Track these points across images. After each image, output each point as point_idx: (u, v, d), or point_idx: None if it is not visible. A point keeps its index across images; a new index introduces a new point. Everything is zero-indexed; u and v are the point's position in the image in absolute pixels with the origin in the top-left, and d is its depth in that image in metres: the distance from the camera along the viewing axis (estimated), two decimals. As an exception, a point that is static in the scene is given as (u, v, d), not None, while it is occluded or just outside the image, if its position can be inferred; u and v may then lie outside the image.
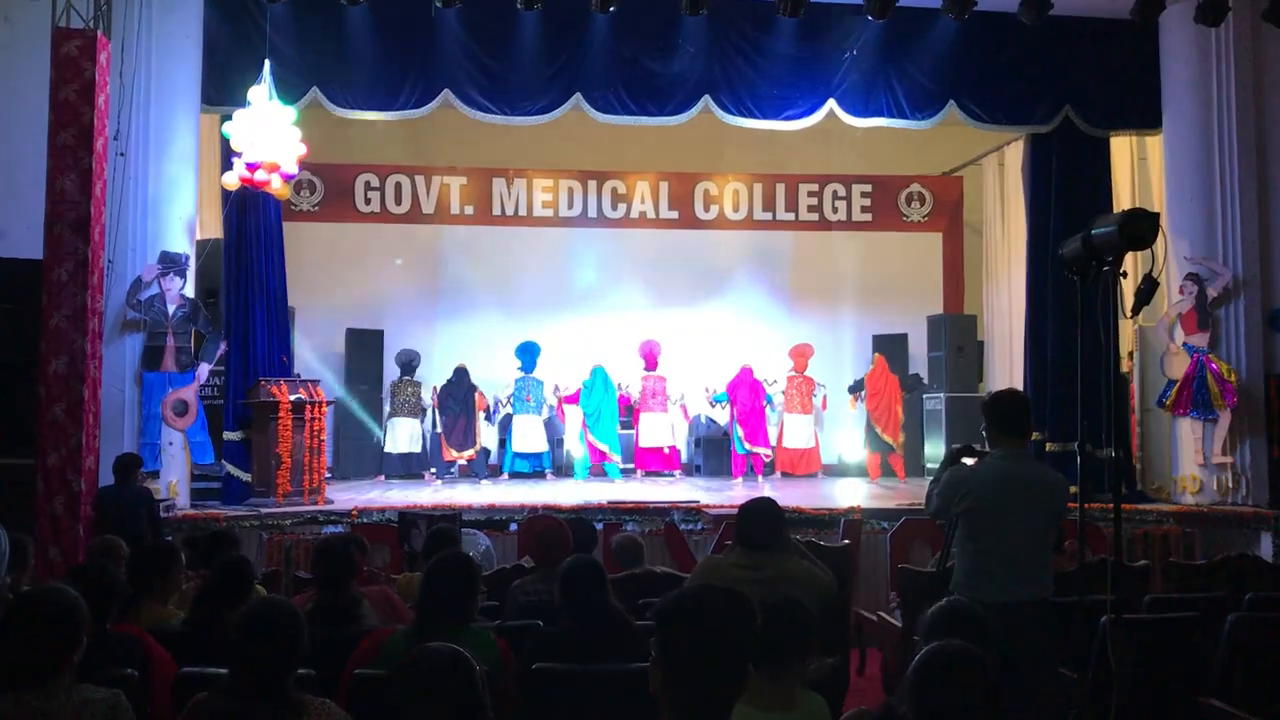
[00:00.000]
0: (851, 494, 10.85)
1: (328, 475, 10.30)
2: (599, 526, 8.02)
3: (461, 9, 9.37)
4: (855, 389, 13.04)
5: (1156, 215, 3.91)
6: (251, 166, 8.75)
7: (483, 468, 12.61)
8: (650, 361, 12.83)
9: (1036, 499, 4.25)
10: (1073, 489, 4.46)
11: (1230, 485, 9.86)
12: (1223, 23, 9.61)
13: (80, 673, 2.95)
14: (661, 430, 12.73)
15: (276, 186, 9.06)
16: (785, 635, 3.02)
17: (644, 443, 12.70)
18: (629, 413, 12.93)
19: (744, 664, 2.10)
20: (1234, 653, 4.58)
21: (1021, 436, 4.49)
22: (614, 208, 14.40)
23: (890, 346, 13.41)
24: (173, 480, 9.16)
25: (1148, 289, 3.81)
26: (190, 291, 9.41)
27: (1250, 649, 4.58)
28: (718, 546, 7.71)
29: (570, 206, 14.36)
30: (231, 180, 9.06)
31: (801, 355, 13.02)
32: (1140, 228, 3.73)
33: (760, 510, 4.47)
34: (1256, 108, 10.15)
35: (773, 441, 12.81)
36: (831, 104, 10.44)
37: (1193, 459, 10.05)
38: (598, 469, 12.49)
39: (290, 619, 2.89)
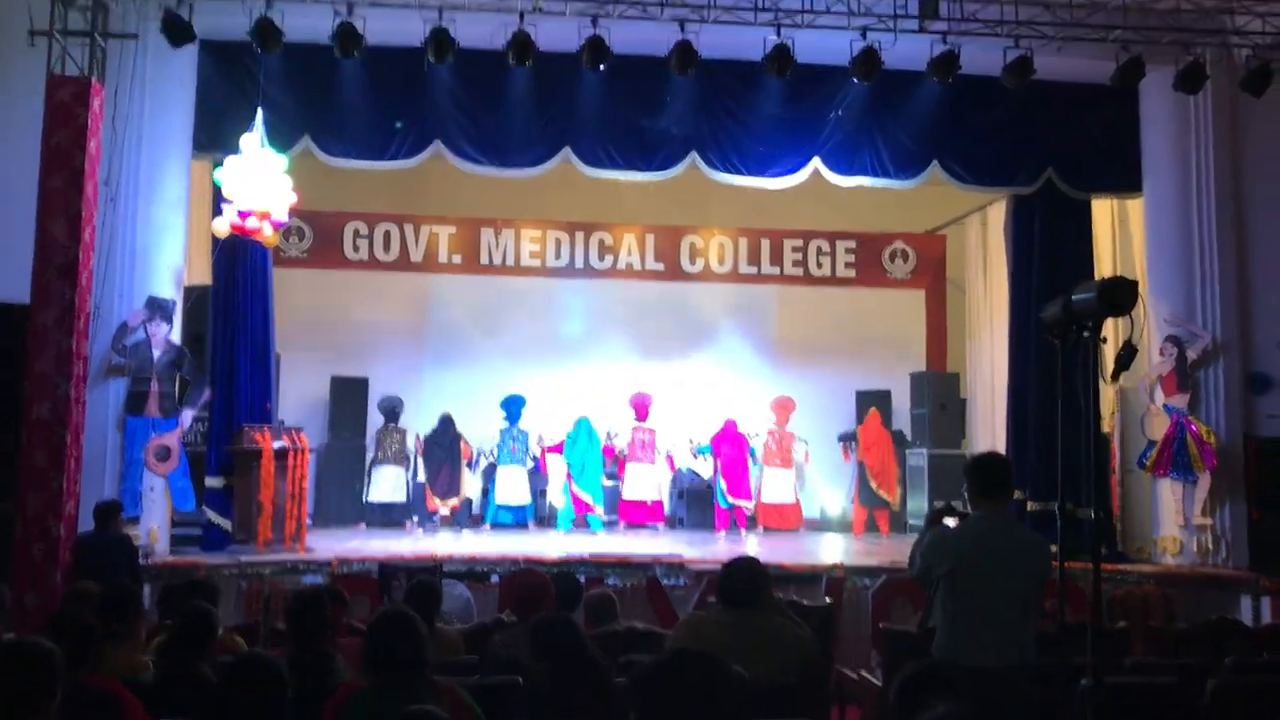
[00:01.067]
0: (834, 550, 10.83)
1: (309, 522, 10.23)
2: (581, 579, 7.98)
3: (454, 62, 9.48)
4: (846, 439, 13.04)
5: (1135, 283, 3.97)
6: (243, 214, 8.79)
7: (465, 518, 12.55)
8: (641, 413, 12.84)
9: (1018, 562, 4.27)
10: (1053, 548, 4.48)
11: (1210, 547, 9.89)
12: (1201, 90, 9.80)
13: (55, 727, 2.93)
14: (648, 483, 12.69)
15: (267, 234, 9.10)
16: None
17: (629, 495, 12.66)
18: (614, 464, 12.91)
19: None
20: (1215, 718, 4.58)
21: (1003, 498, 4.52)
22: (601, 259, 14.48)
23: (874, 402, 13.45)
24: (153, 526, 9.09)
25: (1127, 355, 3.86)
26: (176, 337, 9.41)
27: (1231, 715, 4.58)
28: (699, 602, 7.69)
29: (557, 257, 14.44)
30: (222, 227, 9.09)
31: (783, 409, 13.05)
32: (1120, 295, 3.78)
33: (743, 569, 4.49)
34: (1235, 173, 10.32)
35: (754, 495, 12.80)
36: (816, 163, 10.57)
37: (1173, 520, 10.08)
38: (581, 520, 12.45)
39: (274, 677, 2.88)
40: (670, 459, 13.13)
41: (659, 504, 12.84)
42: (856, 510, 12.94)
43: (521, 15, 9.10)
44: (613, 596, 6.12)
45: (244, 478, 9.51)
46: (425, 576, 6.29)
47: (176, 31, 8.69)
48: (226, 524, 9.67)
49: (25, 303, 8.01)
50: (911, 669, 3.34)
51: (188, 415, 9.52)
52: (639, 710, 2.12)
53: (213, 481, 9.87)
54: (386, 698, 3.47)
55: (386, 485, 12.53)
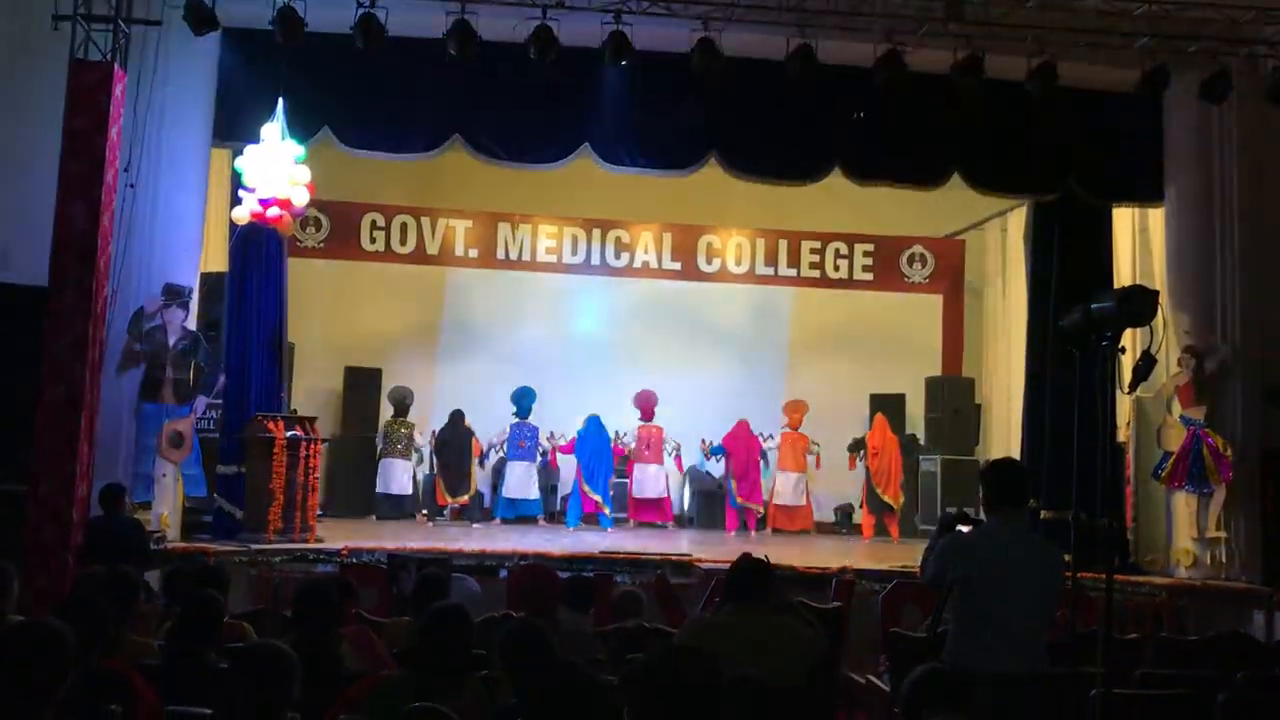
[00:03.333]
0: (844, 554, 10.80)
1: (319, 513, 10.25)
2: (589, 576, 7.97)
3: (475, 56, 9.46)
4: (855, 448, 13.00)
5: (1156, 294, 3.96)
6: (265, 203, 8.80)
7: (475, 512, 12.57)
8: (646, 412, 12.83)
9: (1031, 570, 4.25)
10: (1066, 558, 4.46)
11: (1224, 560, 9.82)
12: (1226, 101, 9.72)
13: (65, 709, 2.93)
14: (655, 481, 12.69)
15: (286, 223, 9.12)
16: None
17: (638, 493, 12.67)
18: (623, 462, 12.91)
19: None
20: (1225, 733, 4.54)
21: (1018, 506, 4.50)
22: (617, 257, 14.47)
23: (887, 406, 13.41)
24: (164, 512, 9.12)
25: (1145, 366, 3.85)
26: (192, 324, 9.43)
27: (1241, 729, 4.54)
28: (708, 602, 7.67)
29: (574, 254, 14.44)
30: (242, 215, 9.11)
31: (796, 411, 13.01)
32: (1140, 305, 3.77)
33: (752, 569, 4.47)
34: (1258, 185, 10.23)
35: (766, 497, 12.78)
36: (836, 165, 10.53)
37: (1187, 532, 10.02)
38: (590, 518, 12.45)
39: (286, 665, 2.88)
40: (678, 458, 13.12)
41: (668, 502, 12.84)
42: (866, 515, 12.91)
43: (544, 10, 9.08)
44: (639, 594, 6.11)
45: (256, 466, 9.53)
46: (434, 569, 6.30)
47: (200, 19, 8.70)
48: (237, 511, 9.69)
49: (43, 286, 8.03)
50: (921, 673, 3.32)
51: (201, 402, 9.55)
52: (632, 708, 2.10)
53: (224, 469, 9.90)
54: (423, 693, 3.46)
55: (395, 477, 12.55)
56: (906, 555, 10.23)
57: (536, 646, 3.78)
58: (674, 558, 9.34)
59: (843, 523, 13.55)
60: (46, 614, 3.47)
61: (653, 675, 2.13)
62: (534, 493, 12.51)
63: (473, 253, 14.27)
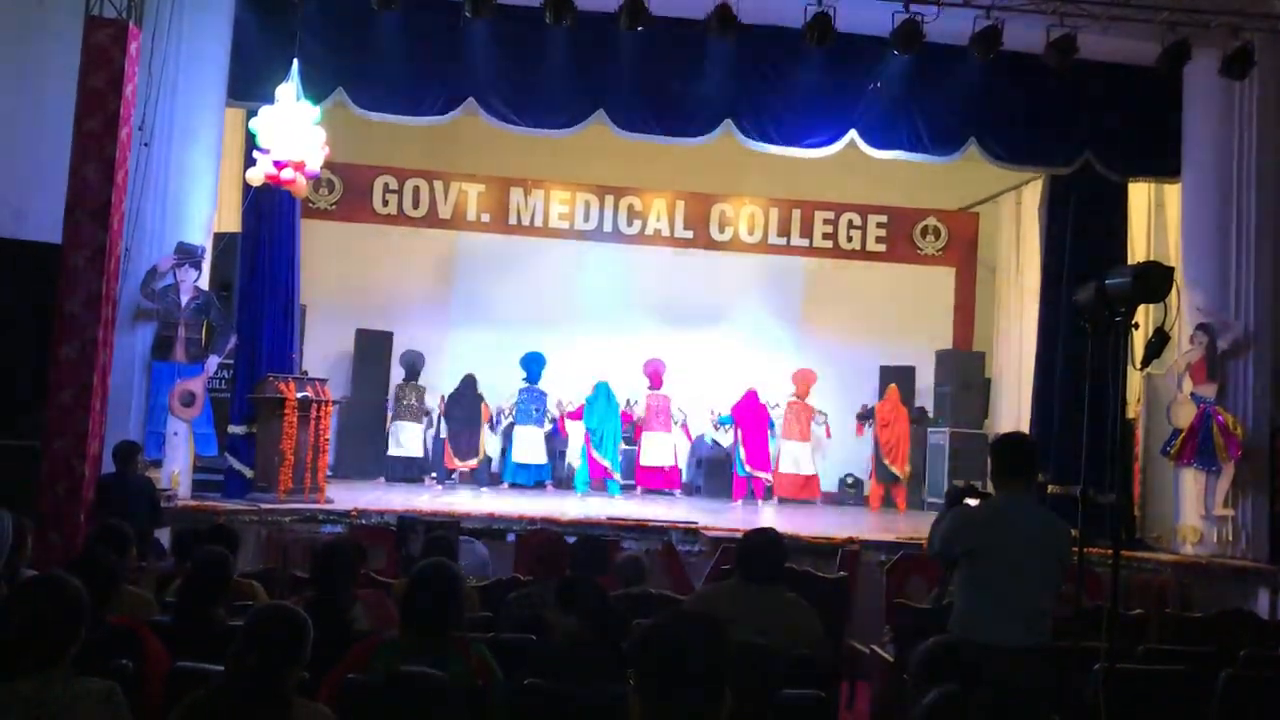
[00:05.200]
0: (851, 524, 10.82)
1: (328, 474, 10.32)
2: (600, 539, 8.00)
3: (490, 20, 9.42)
4: (865, 417, 12.98)
5: (1171, 270, 3.94)
6: (279, 164, 8.78)
7: (484, 476, 12.61)
8: (655, 380, 12.85)
9: (1039, 544, 4.26)
10: (1073, 533, 4.46)
11: (1230, 538, 9.81)
12: (1247, 76, 9.63)
13: (76, 662, 2.96)
14: (663, 449, 12.73)
15: (299, 185, 9.11)
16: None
17: (645, 461, 12.71)
18: (631, 429, 12.94)
19: (721, 690, 2.12)
20: (1226, 709, 4.57)
21: (1028, 480, 4.49)
22: (629, 224, 14.44)
23: (898, 378, 13.40)
24: (175, 470, 9.18)
25: (1158, 343, 3.84)
26: (205, 284, 9.46)
27: (1243, 706, 4.56)
28: (714, 570, 7.71)
29: (586, 220, 14.40)
30: (256, 176, 9.10)
31: (804, 381, 13.01)
32: (1155, 281, 3.76)
33: (762, 543, 4.48)
34: (1277, 163, 10.14)
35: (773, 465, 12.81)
36: (852, 134, 10.47)
37: (1194, 509, 10.01)
38: (598, 484, 12.49)
39: (299, 627, 2.91)
40: (686, 426, 13.14)
41: (675, 470, 12.88)
42: (874, 486, 12.93)
43: (561, -27, 9.02)
44: (642, 560, 6.14)
45: (267, 426, 9.59)
46: (442, 532, 6.34)
47: (215, -24, 8.67)
48: (248, 471, 9.76)
49: (57, 243, 8.05)
50: (930, 645, 3.34)
51: (213, 361, 9.58)
52: (637, 674, 2.12)
53: (235, 428, 9.96)
54: (413, 653, 3.50)
55: (405, 441, 12.60)
56: (913, 527, 10.26)
57: (596, 594, 3.93)
58: (681, 525, 9.37)
59: (850, 493, 13.57)
60: (59, 569, 3.50)
61: (661, 640, 2.15)
62: (542, 458, 12.56)
63: (485, 217, 14.25)
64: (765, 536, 4.53)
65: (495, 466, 13.04)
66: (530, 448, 12.48)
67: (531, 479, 12.46)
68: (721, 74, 10.21)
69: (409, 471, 12.58)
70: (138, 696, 3.44)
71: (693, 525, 9.37)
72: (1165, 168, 10.73)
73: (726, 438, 13.13)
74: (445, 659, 3.50)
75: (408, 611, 3.73)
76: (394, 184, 14.04)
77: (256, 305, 10.24)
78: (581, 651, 3.88)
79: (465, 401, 12.49)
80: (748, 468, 12.61)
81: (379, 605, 4.77)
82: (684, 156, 12.09)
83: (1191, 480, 10.06)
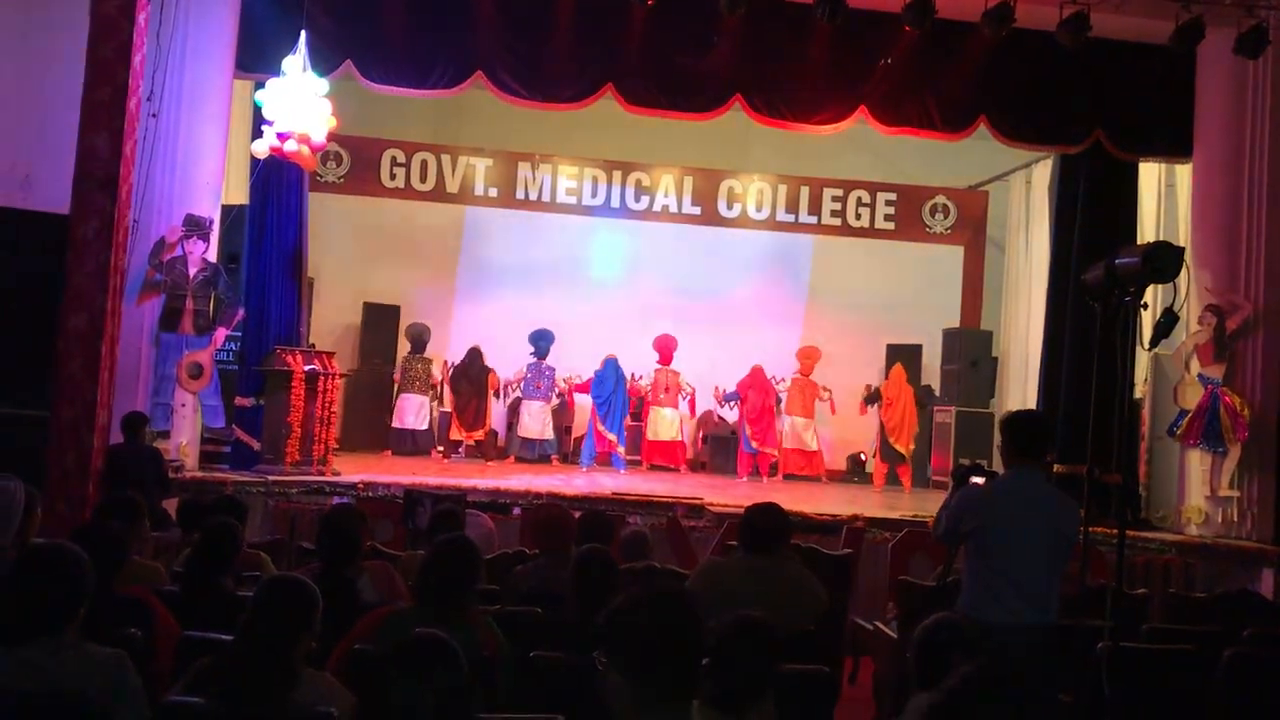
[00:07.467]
0: (855, 501, 10.84)
1: (335, 447, 10.35)
2: (606, 514, 8.02)
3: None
4: (871, 400, 12.93)
5: (1181, 250, 3.92)
6: (282, 136, 8.76)
7: (490, 449, 12.65)
8: (665, 356, 12.85)
9: (1046, 523, 4.25)
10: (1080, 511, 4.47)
11: (1235, 519, 9.82)
12: (1261, 56, 9.55)
13: (85, 631, 2.99)
14: (670, 425, 12.76)
15: (306, 157, 9.09)
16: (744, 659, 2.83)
17: (652, 436, 12.75)
18: (639, 405, 12.96)
19: (694, 665, 2.13)
20: (1230, 688, 4.57)
21: (1037, 458, 4.48)
22: (637, 199, 14.39)
23: (905, 356, 13.39)
24: (183, 442, 9.22)
25: (1167, 323, 3.83)
26: (213, 256, 9.46)
27: (1246, 686, 4.57)
28: (719, 546, 7.73)
29: (594, 195, 14.37)
30: (261, 149, 9.08)
31: (808, 358, 13.00)
32: (1164, 261, 3.75)
33: (766, 515, 4.49)
34: (1289, 143, 10.08)
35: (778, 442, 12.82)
36: (862, 111, 10.43)
37: (1199, 490, 10.01)
38: (604, 459, 12.53)
39: (309, 598, 2.93)
40: (691, 401, 13.16)
41: (682, 446, 12.91)
42: (878, 464, 12.93)
43: (570, -54, 8.97)
44: (646, 534, 6.16)
45: (274, 398, 9.61)
46: (449, 505, 6.36)
47: (223, -53, 8.63)
48: (255, 443, 9.79)
49: (65, 214, 8.04)
50: (934, 623, 3.35)
51: (221, 333, 9.61)
52: (609, 651, 2.12)
53: (243, 400, 9.99)
54: (424, 624, 3.52)
55: (411, 413, 12.63)
56: (918, 505, 10.28)
57: (610, 568, 3.97)
58: (686, 500, 9.40)
59: (855, 471, 13.58)
60: (66, 538, 3.52)
61: (632, 616, 2.15)
62: (549, 433, 12.59)
63: (492, 192, 14.22)
64: (769, 510, 4.54)
65: (501, 440, 13.07)
66: (537, 422, 12.52)
67: (537, 453, 12.50)
68: (731, 49, 10.16)
69: (415, 444, 12.61)
70: (148, 665, 3.48)
71: (698, 500, 9.39)
72: (1176, 148, 10.67)
73: (732, 413, 13.15)
74: (455, 629, 3.52)
75: (424, 583, 3.75)
76: (402, 157, 14.00)
77: (264, 278, 10.25)
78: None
79: (471, 373, 12.51)
80: (754, 444, 12.62)
81: (387, 577, 4.79)
82: (692, 132, 12.06)
83: (1197, 461, 10.05)
